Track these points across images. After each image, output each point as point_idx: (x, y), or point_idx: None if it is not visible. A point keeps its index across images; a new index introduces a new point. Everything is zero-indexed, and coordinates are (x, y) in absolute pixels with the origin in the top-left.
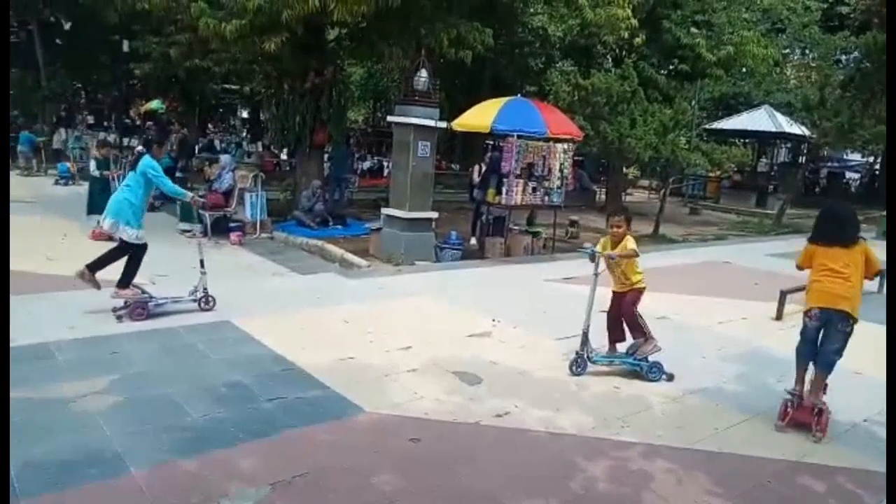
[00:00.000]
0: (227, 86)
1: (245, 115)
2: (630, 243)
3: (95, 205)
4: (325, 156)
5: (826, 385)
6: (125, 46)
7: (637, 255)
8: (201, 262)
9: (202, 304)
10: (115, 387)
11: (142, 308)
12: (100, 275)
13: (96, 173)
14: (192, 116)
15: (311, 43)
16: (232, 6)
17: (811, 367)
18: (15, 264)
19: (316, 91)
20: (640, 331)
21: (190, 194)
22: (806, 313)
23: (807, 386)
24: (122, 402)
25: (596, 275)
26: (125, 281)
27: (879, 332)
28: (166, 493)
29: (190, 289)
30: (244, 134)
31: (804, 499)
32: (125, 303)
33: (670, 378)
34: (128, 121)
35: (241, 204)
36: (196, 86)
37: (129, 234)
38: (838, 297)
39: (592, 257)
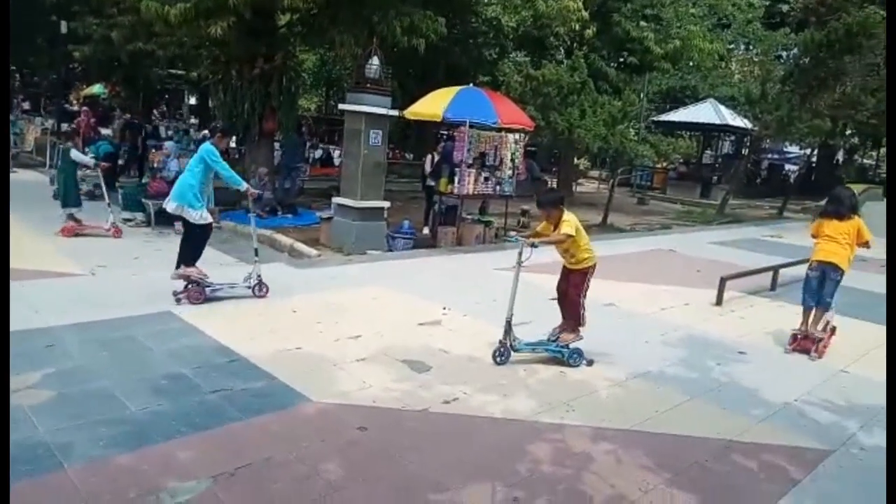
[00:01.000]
0: (172, 71)
1: (193, 101)
2: (564, 227)
3: (71, 196)
4: (276, 144)
5: (828, 323)
6: (63, 27)
7: (566, 240)
8: (255, 250)
9: (256, 291)
10: (50, 381)
11: (200, 291)
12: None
13: (89, 161)
14: (136, 102)
15: (259, 28)
16: None
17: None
18: None
19: (265, 77)
20: (574, 318)
21: (246, 184)
22: (809, 266)
23: (815, 326)
24: (56, 397)
25: (520, 264)
26: (190, 259)
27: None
28: (101, 489)
29: (245, 275)
30: (191, 121)
31: (737, 475)
32: (185, 286)
33: (590, 363)
34: (67, 106)
35: None
36: (140, 70)
37: (192, 216)
38: (831, 254)
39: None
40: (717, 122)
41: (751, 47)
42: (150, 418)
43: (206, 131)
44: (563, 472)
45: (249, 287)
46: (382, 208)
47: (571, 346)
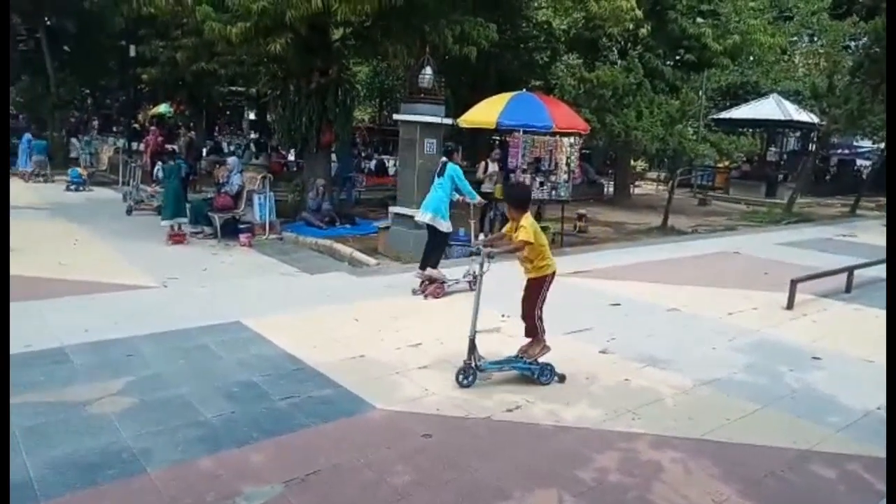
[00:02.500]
0: (233, 88)
1: (252, 116)
2: (521, 233)
3: (171, 209)
4: (333, 155)
5: None
6: (132, 51)
7: (523, 247)
8: (479, 250)
9: (471, 285)
10: (130, 389)
11: (440, 288)
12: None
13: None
14: (200, 119)
15: (315, 43)
16: (236, 9)
17: None
18: (28, 270)
19: (321, 91)
20: (532, 330)
21: (478, 197)
22: None
23: None
24: (137, 404)
25: (481, 274)
26: (433, 263)
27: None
28: (181, 493)
29: (463, 271)
30: (251, 135)
31: (817, 486)
32: (423, 283)
33: (562, 379)
34: (136, 125)
35: (249, 205)
36: (202, 89)
37: (442, 225)
38: None
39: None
40: (782, 117)
41: (815, 39)
42: (223, 424)
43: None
44: (631, 481)
45: (468, 282)
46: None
47: (540, 360)
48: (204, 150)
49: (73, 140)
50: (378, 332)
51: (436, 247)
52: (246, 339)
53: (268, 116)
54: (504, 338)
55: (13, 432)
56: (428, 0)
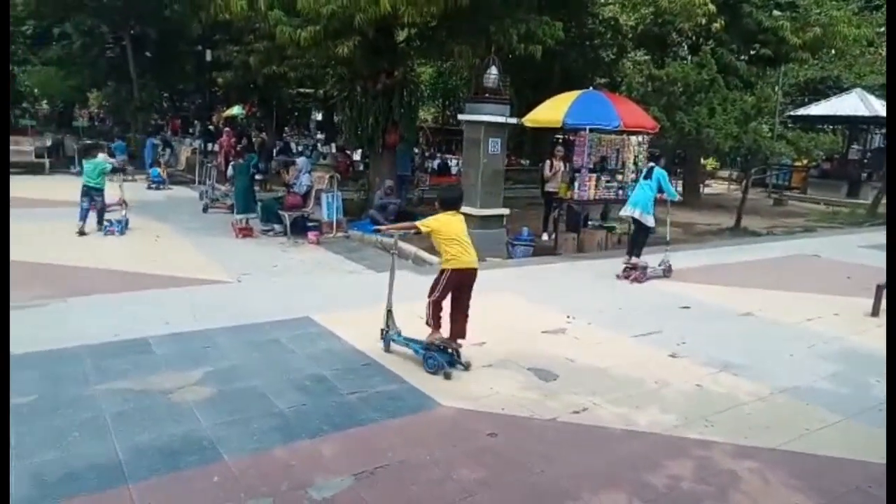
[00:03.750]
0: (301, 90)
1: (319, 117)
2: (422, 221)
3: (241, 204)
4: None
5: None
6: (208, 56)
7: (411, 228)
8: (667, 241)
9: (665, 273)
10: (209, 379)
11: (644, 273)
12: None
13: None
14: (270, 121)
15: (381, 45)
16: (307, 13)
17: None
18: (113, 264)
19: (387, 92)
20: (429, 315)
21: (677, 195)
22: None
23: None
24: (215, 394)
25: (393, 253)
26: (637, 252)
27: None
28: (257, 482)
29: (658, 260)
30: (318, 136)
31: None
32: (626, 269)
33: (467, 367)
34: (210, 127)
35: (317, 204)
36: (273, 91)
37: (648, 220)
38: None
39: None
40: (866, 113)
41: None
42: (296, 416)
43: (332, 144)
44: (705, 489)
45: (663, 270)
46: (502, 216)
47: (426, 341)
48: (274, 151)
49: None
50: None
51: (638, 237)
52: (315, 334)
53: (335, 117)
54: (570, 339)
55: (104, 417)
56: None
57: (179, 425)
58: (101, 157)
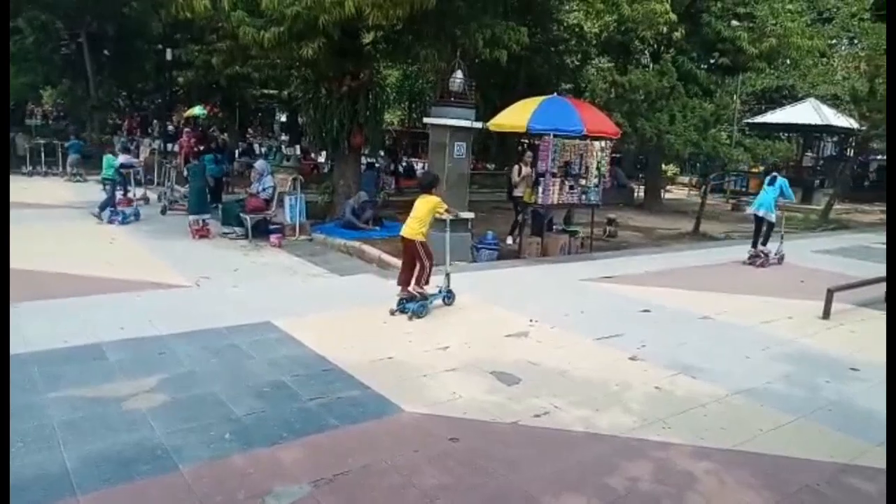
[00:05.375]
0: (265, 91)
1: (283, 119)
2: (443, 207)
3: (194, 206)
4: (362, 158)
5: None
6: (168, 55)
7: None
8: (782, 235)
9: (780, 261)
10: (164, 386)
11: (766, 259)
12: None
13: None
14: (233, 122)
15: (347, 47)
16: (271, 13)
17: None
18: (66, 268)
19: (352, 94)
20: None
21: (794, 197)
22: None
23: None
24: (170, 401)
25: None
26: (763, 242)
27: None
28: (212, 490)
29: (775, 249)
30: (282, 137)
31: (855, 502)
32: (754, 255)
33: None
34: (171, 127)
35: (280, 207)
36: (236, 91)
37: (770, 217)
38: None
39: None
40: (819, 122)
41: (856, 42)
42: (254, 423)
43: (297, 146)
44: (663, 490)
45: (778, 258)
46: (467, 220)
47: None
48: (236, 152)
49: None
50: (406, 334)
51: (765, 232)
52: (276, 340)
53: (299, 119)
54: (533, 342)
55: (52, 426)
56: (459, 4)
57: (133, 434)
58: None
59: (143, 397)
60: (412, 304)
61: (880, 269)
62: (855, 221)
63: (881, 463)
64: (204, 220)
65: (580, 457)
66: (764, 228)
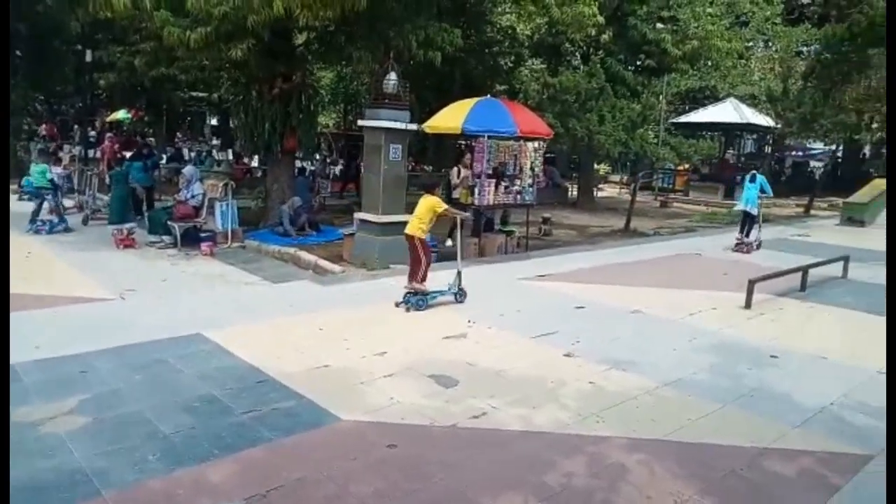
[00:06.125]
0: (194, 93)
1: (214, 122)
2: (443, 206)
3: (117, 214)
4: (297, 161)
5: None
6: (88, 56)
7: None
8: (760, 222)
9: (758, 247)
10: (85, 407)
11: (749, 247)
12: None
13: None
14: (160, 126)
15: (278, 48)
16: (197, 14)
17: None
18: None
19: (284, 96)
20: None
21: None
22: None
23: None
24: (91, 423)
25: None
26: (747, 233)
27: (843, 314)
28: None
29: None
30: (213, 141)
31: (774, 483)
32: (740, 243)
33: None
34: (92, 132)
35: (211, 214)
36: (163, 94)
37: (753, 211)
38: None
39: None
40: (739, 121)
41: (770, 44)
42: (183, 441)
43: (229, 150)
44: (597, 483)
45: (756, 245)
46: (405, 222)
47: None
48: (164, 157)
49: (33, 144)
50: (343, 341)
51: (748, 223)
52: (207, 352)
53: (231, 122)
54: (471, 343)
55: None
56: (392, 5)
57: (50, 459)
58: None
59: (62, 420)
60: (412, 298)
61: (797, 260)
62: (773, 215)
63: (799, 445)
64: (128, 230)
65: (517, 455)
66: (748, 222)
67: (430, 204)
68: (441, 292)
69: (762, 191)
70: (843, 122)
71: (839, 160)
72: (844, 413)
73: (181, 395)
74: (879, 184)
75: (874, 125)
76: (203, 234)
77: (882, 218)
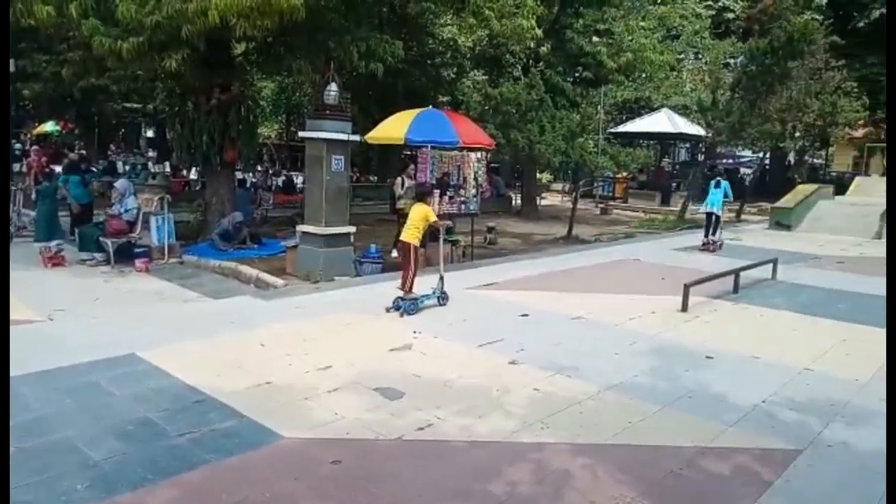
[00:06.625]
0: (128, 104)
1: (151, 134)
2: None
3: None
4: (238, 173)
5: None
6: (11, 66)
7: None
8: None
9: (721, 246)
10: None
11: (716, 245)
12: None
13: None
14: (92, 138)
15: (215, 58)
16: (128, 23)
17: None
18: None
19: (223, 107)
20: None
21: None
22: None
23: None
24: (15, 452)
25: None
26: (713, 233)
27: (773, 315)
28: None
29: (718, 237)
30: (150, 154)
31: (710, 481)
32: (707, 243)
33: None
34: (18, 145)
35: (146, 228)
36: (93, 105)
37: (719, 212)
38: None
39: None
40: (673, 130)
41: (700, 57)
42: (115, 468)
43: (166, 163)
44: (541, 490)
45: (720, 244)
46: (349, 234)
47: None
48: (96, 171)
49: None
50: (286, 356)
51: (714, 225)
52: (141, 373)
53: (167, 134)
54: (417, 354)
55: None
56: (332, 16)
57: None
58: None
59: None
60: (404, 303)
61: (730, 263)
62: None
63: (734, 443)
64: (56, 247)
65: (463, 466)
66: (714, 223)
67: (423, 213)
68: (427, 296)
69: (725, 195)
70: (768, 130)
71: (767, 167)
72: (775, 410)
73: (113, 419)
74: (803, 189)
75: (797, 134)
76: (138, 250)
77: (806, 222)
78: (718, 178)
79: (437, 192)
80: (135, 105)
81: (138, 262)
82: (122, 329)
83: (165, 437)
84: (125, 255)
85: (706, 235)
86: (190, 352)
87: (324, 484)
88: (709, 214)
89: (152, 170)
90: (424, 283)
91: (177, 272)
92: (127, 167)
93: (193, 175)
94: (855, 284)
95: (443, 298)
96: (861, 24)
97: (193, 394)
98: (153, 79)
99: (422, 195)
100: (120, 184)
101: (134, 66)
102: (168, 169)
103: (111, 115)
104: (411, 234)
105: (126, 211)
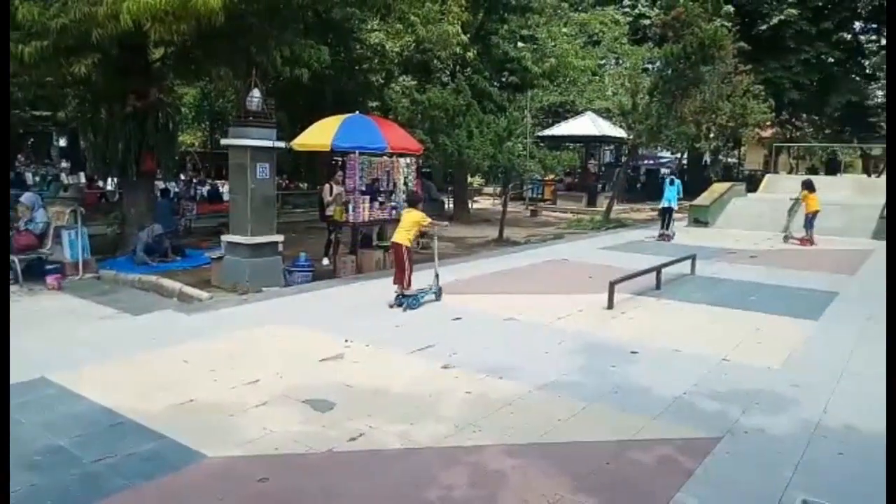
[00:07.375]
0: (36, 113)
1: (63, 143)
2: (427, 220)
3: None
4: (159, 182)
5: None
6: None
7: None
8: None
9: (672, 237)
10: None
11: (669, 238)
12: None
13: None
14: None
15: (130, 64)
16: (30, 26)
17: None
18: None
19: (140, 115)
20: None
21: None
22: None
23: None
24: None
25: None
26: (667, 226)
27: (693, 309)
28: None
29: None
30: (62, 164)
31: (636, 473)
32: (662, 235)
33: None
34: None
35: (58, 243)
36: None
37: (675, 206)
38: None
39: None
40: (596, 133)
41: (620, 62)
42: (22, 501)
43: (80, 174)
44: (475, 493)
45: (672, 234)
46: (276, 242)
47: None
48: None
49: None
50: (211, 372)
51: (668, 218)
52: (52, 397)
53: (80, 143)
54: (349, 364)
55: None
56: (252, 21)
57: None
58: None
59: None
60: (406, 299)
61: (653, 260)
62: (631, 219)
63: (657, 434)
64: None
65: (397, 474)
66: (668, 216)
67: (415, 218)
68: (424, 292)
69: (678, 193)
70: (684, 132)
71: (685, 167)
72: (696, 400)
73: (20, 448)
74: (718, 187)
75: (711, 135)
76: (49, 267)
77: (722, 218)
78: (672, 177)
79: (366, 197)
80: (44, 113)
81: (49, 279)
82: (30, 351)
83: (78, 465)
84: (35, 273)
85: (662, 227)
86: (106, 372)
87: (250, 503)
88: (665, 209)
89: (65, 181)
90: (351, 293)
91: (93, 288)
92: (37, 178)
93: (110, 186)
94: (766, 277)
95: (438, 294)
96: (763, 29)
97: (110, 417)
98: (63, 85)
99: (413, 202)
100: (26, 198)
101: (39, 71)
102: (83, 180)
103: (17, 125)
104: (402, 236)
105: (33, 223)
